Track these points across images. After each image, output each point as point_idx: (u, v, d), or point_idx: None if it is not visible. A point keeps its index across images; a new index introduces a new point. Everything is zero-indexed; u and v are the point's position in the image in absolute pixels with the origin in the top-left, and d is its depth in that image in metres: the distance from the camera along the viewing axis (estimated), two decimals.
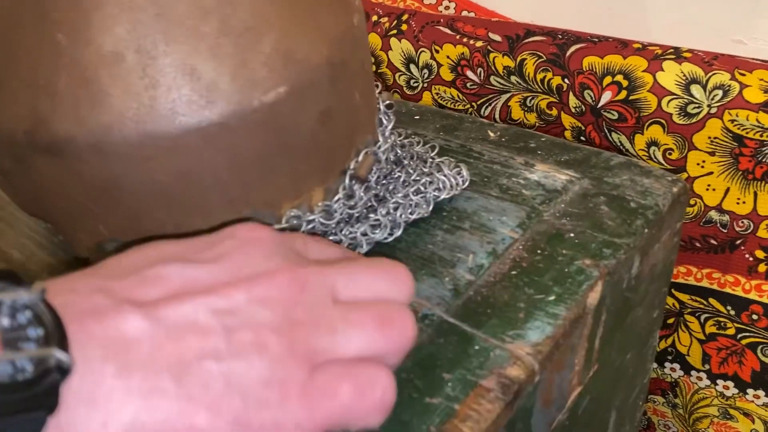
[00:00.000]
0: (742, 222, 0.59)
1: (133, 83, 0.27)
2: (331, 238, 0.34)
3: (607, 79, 0.61)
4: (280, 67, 0.29)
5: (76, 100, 0.27)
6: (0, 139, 0.29)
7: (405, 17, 0.70)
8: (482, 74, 0.67)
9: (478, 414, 0.26)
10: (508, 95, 0.66)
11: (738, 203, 0.58)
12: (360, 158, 0.35)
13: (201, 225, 0.30)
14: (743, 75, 0.56)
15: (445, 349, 0.29)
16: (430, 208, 0.37)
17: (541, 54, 0.63)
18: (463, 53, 0.67)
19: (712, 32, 0.63)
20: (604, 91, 0.61)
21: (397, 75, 0.72)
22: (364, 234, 0.34)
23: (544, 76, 0.64)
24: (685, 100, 0.57)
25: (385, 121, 0.38)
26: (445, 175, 0.38)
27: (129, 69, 0.27)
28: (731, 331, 0.63)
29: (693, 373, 0.67)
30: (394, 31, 0.71)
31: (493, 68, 0.66)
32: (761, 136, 0.55)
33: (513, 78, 0.65)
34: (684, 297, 0.64)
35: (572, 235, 0.36)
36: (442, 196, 0.37)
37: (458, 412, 0.26)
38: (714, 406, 0.68)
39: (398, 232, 0.35)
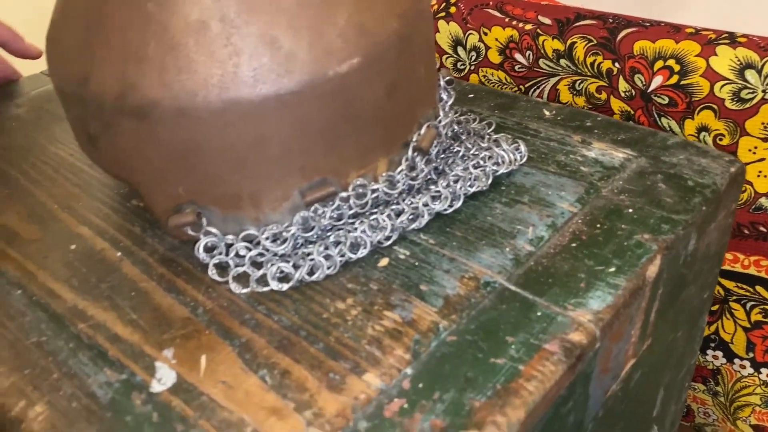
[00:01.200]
0: None
1: (217, 51, 0.28)
2: (393, 207, 0.35)
3: (659, 64, 0.60)
4: (353, 38, 0.30)
5: (163, 66, 0.28)
6: (90, 105, 0.30)
7: (453, 0, 0.71)
8: (531, 57, 0.67)
9: (542, 375, 0.27)
10: (557, 78, 0.66)
11: None
12: (422, 131, 0.36)
13: (274, 189, 0.31)
14: None
15: (508, 315, 0.30)
16: (489, 181, 0.38)
17: (591, 38, 0.63)
18: (512, 36, 0.67)
19: (765, 17, 0.62)
20: (655, 76, 0.61)
21: (444, 57, 0.73)
22: (425, 204, 0.35)
23: (594, 60, 0.64)
24: (739, 85, 0.57)
25: (445, 97, 0.39)
26: (503, 150, 0.39)
27: (214, 37, 0.28)
28: None
29: (736, 360, 0.67)
30: (443, 14, 0.71)
31: (542, 51, 0.66)
32: None
33: (562, 61, 0.65)
34: (730, 284, 0.64)
35: (630, 210, 0.36)
36: (501, 171, 0.38)
37: (523, 372, 0.27)
38: (756, 395, 0.67)
39: (458, 204, 0.36)
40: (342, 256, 0.33)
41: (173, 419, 0.26)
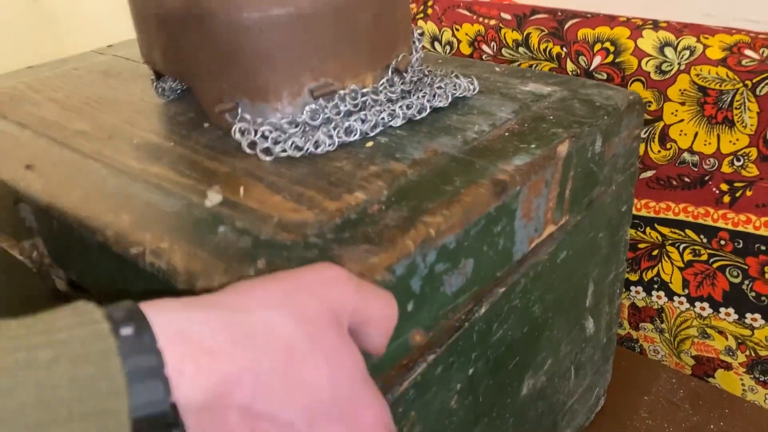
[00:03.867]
0: (709, 161, 0.71)
1: None
2: (376, 108, 0.47)
3: (597, 46, 0.75)
4: None
5: None
6: (161, 19, 0.44)
7: (430, 2, 0.85)
8: (495, 47, 0.81)
9: (476, 196, 0.39)
10: (517, 63, 0.80)
11: (705, 144, 0.71)
12: (399, 58, 0.49)
13: (291, 86, 0.44)
14: (707, 38, 0.69)
15: (456, 167, 0.42)
16: (449, 101, 0.51)
17: (543, 28, 0.78)
18: (479, 30, 0.82)
19: (687, 8, 0.76)
20: (595, 56, 0.75)
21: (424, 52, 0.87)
22: (402, 109, 0.48)
23: (546, 46, 0.78)
24: (660, 60, 0.71)
25: (417, 43, 0.53)
26: (460, 81, 0.52)
27: None
28: (704, 257, 0.75)
29: (675, 298, 0.79)
30: (421, 15, 0.86)
31: (504, 42, 0.80)
32: (720, 86, 0.68)
33: (521, 49, 0.80)
34: (665, 230, 0.77)
35: (551, 117, 0.49)
36: (458, 94, 0.51)
37: (463, 194, 0.39)
38: (694, 327, 0.79)
39: (425, 114, 0.49)
40: (339, 137, 0.45)
41: (223, 219, 0.38)
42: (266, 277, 0.30)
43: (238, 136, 0.45)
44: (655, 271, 0.80)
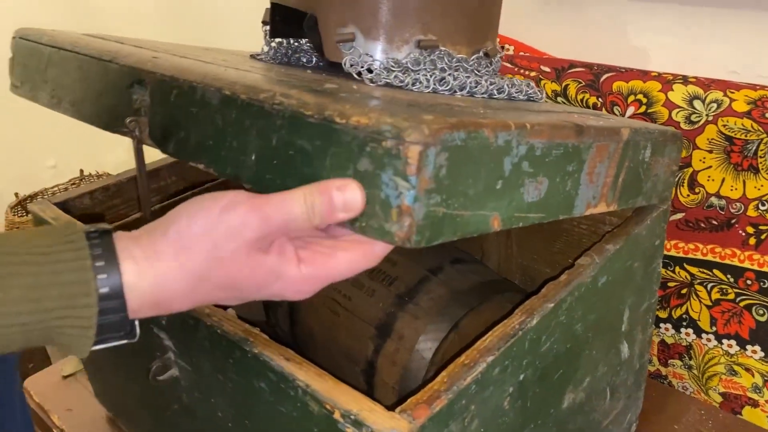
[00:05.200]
0: (735, 205, 0.77)
1: None
2: (465, 74, 0.56)
3: (631, 98, 0.81)
4: None
5: None
6: None
7: None
8: None
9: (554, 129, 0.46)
10: None
11: (731, 190, 0.77)
12: (488, 48, 0.59)
13: (403, 32, 0.54)
14: (732, 93, 0.75)
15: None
16: (523, 95, 0.61)
17: (580, 80, 0.85)
18: None
19: (714, 66, 0.83)
20: (629, 107, 0.82)
21: None
22: (487, 82, 0.57)
23: (584, 97, 0.85)
24: (689, 111, 0.77)
25: (500, 50, 0.61)
26: (530, 85, 0.62)
27: None
28: (731, 296, 0.79)
29: (703, 335, 0.83)
30: None
31: (544, 92, 0.87)
32: (746, 136, 0.74)
33: (559, 99, 0.87)
34: (694, 270, 0.82)
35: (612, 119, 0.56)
36: (530, 92, 0.61)
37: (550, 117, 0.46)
38: (721, 364, 0.83)
39: (503, 95, 0.58)
40: (434, 84, 0.54)
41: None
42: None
43: (348, 66, 0.53)
44: (684, 308, 0.84)
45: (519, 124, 0.42)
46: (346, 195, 0.36)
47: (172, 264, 0.35)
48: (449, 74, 0.54)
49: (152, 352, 0.59)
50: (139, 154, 0.51)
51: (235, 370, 0.50)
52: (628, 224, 0.60)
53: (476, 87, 0.55)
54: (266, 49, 0.62)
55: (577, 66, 0.86)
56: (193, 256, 0.35)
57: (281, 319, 0.76)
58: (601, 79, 0.84)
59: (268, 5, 0.60)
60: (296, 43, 0.59)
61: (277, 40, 0.60)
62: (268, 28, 0.61)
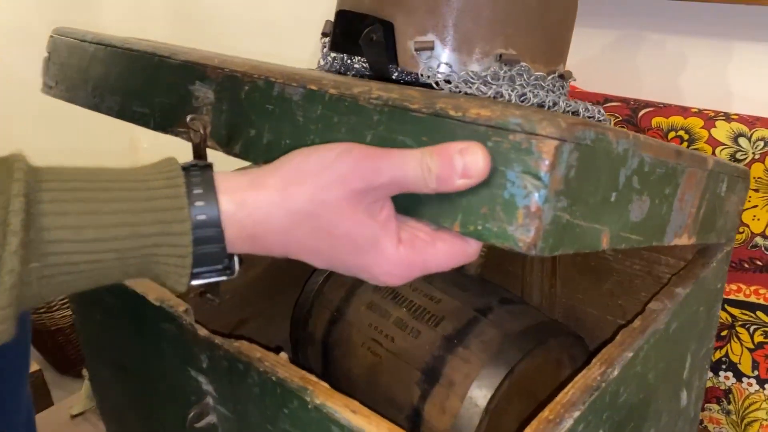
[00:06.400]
0: None
1: None
2: (542, 93, 0.53)
3: (672, 134, 0.79)
4: None
5: None
6: None
7: None
8: None
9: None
10: None
11: None
12: (563, 70, 0.56)
13: (483, 45, 0.50)
14: None
15: None
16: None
17: (618, 115, 0.83)
18: None
19: (757, 105, 0.82)
20: (670, 143, 0.80)
21: None
22: (564, 102, 0.54)
23: None
24: (734, 149, 0.75)
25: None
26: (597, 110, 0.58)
27: None
28: None
29: (744, 379, 0.80)
30: None
31: None
32: None
33: None
34: (735, 311, 0.79)
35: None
36: (592, 113, 0.57)
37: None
38: (763, 410, 0.80)
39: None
40: (515, 99, 0.51)
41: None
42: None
43: (426, 73, 0.50)
44: (723, 351, 0.81)
45: (634, 135, 0.39)
46: (467, 159, 0.33)
47: (275, 197, 0.34)
48: (529, 91, 0.51)
49: (187, 396, 0.54)
50: (198, 158, 0.47)
51: (291, 422, 0.46)
52: (694, 266, 0.57)
53: (554, 107, 0.52)
54: (322, 62, 0.58)
55: (612, 100, 0.84)
56: (299, 192, 0.34)
57: (312, 358, 0.72)
58: (639, 114, 0.82)
59: (330, 17, 0.58)
60: (349, 60, 0.55)
61: (332, 54, 0.56)
62: (327, 39, 0.58)
